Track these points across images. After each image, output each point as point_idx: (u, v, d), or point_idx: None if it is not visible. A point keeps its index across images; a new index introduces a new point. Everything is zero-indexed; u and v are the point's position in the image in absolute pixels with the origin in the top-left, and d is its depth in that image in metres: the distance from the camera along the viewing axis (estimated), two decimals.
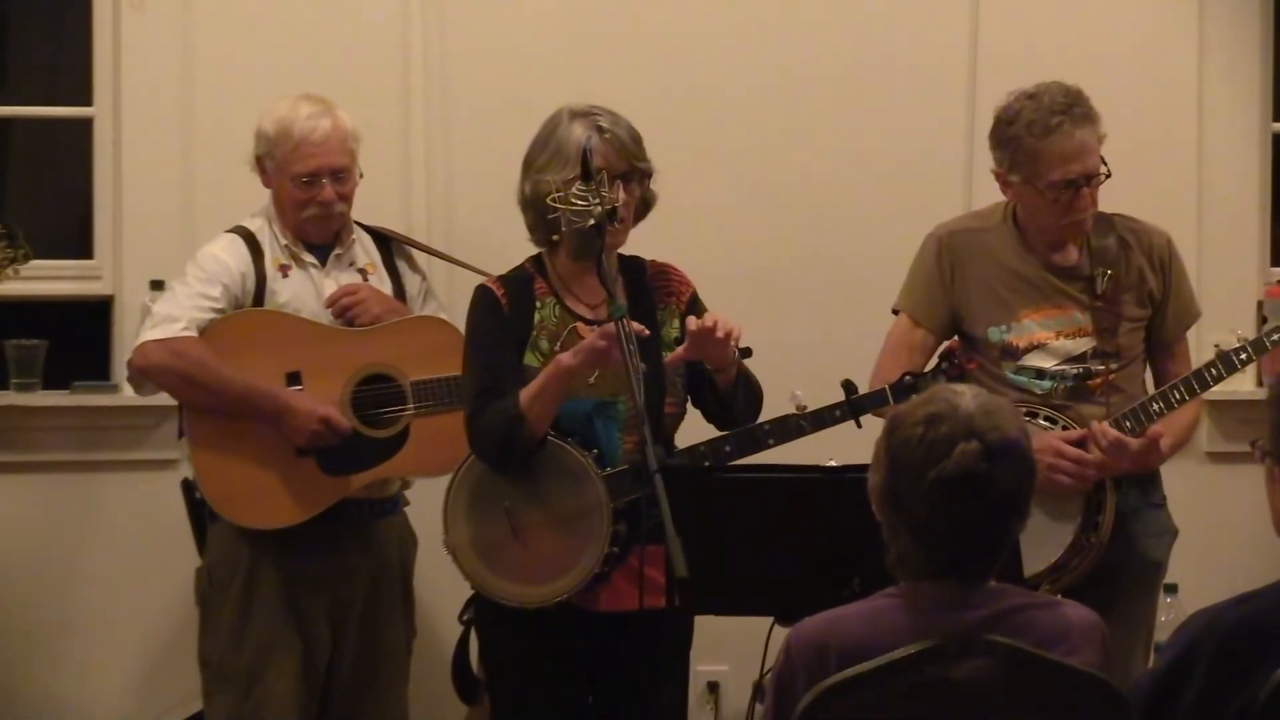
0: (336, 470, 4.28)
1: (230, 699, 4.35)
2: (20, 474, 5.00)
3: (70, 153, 5.18)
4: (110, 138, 5.03)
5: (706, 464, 3.77)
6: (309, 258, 4.39)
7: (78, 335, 5.05)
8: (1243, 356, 4.07)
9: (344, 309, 4.34)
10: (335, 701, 4.42)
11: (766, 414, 3.86)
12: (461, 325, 4.03)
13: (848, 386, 3.83)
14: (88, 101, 5.06)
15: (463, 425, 3.88)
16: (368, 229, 4.53)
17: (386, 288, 4.46)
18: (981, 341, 4.17)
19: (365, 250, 4.49)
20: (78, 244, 5.12)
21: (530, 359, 3.85)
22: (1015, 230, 4.19)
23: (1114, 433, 4.01)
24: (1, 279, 4.72)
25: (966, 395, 2.78)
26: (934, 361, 4.01)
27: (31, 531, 5.00)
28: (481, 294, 3.92)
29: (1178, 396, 4.07)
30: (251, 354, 4.26)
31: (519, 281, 3.91)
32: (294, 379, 4.29)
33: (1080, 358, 4.13)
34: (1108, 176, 4.07)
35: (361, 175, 4.41)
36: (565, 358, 3.74)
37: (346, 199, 4.38)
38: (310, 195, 4.33)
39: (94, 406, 4.98)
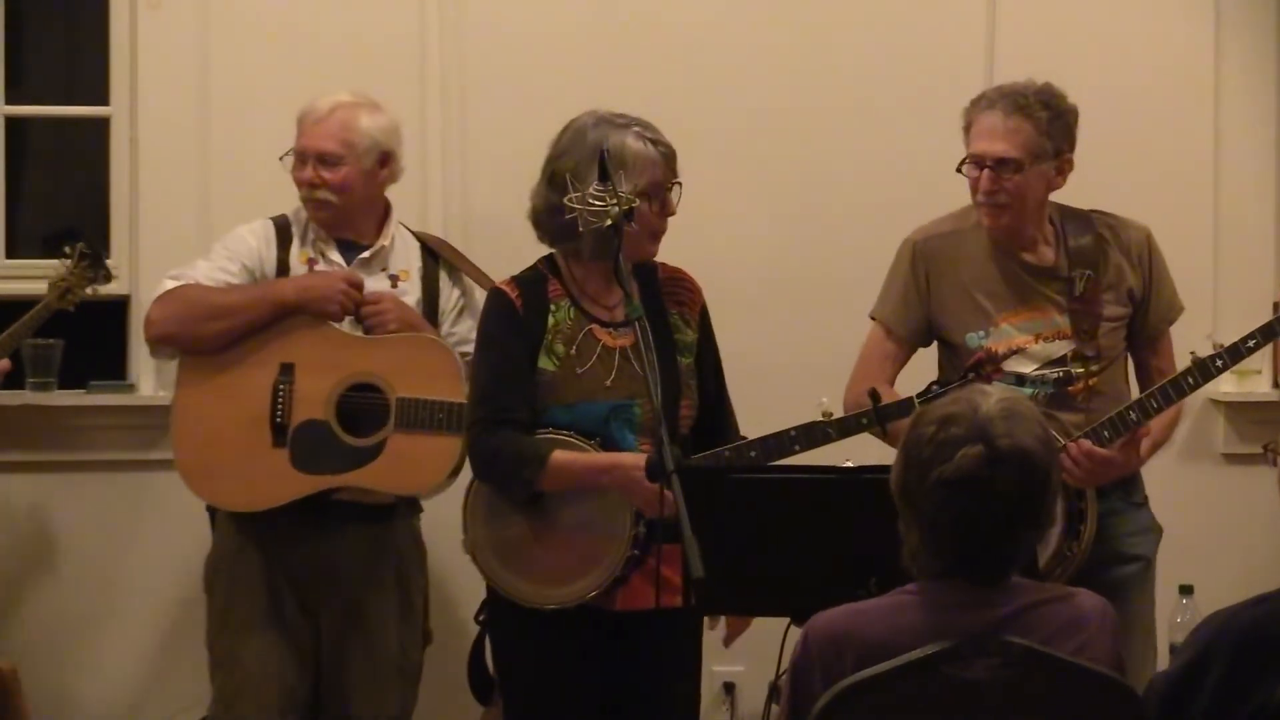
0: (307, 467, 4.28)
1: (218, 681, 4.40)
2: (37, 473, 5.01)
3: (86, 152, 5.19)
4: (127, 137, 5.03)
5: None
6: (334, 256, 4.38)
7: (94, 335, 5.05)
8: (1219, 364, 3.99)
9: (364, 317, 4.32)
10: (328, 699, 4.42)
11: (791, 419, 3.84)
12: None
13: (874, 395, 3.82)
14: (104, 101, 5.07)
15: (436, 452, 3.91)
16: (420, 237, 4.52)
17: (414, 296, 4.42)
18: (960, 349, 4.10)
19: (405, 256, 4.46)
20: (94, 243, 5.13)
21: (544, 362, 3.81)
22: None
23: (1101, 452, 3.94)
24: (78, 298, 4.71)
25: (992, 398, 2.78)
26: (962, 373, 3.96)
27: (48, 530, 5.01)
28: (495, 297, 3.90)
29: (1155, 405, 3.98)
30: (254, 338, 4.28)
31: (533, 283, 3.87)
32: (287, 370, 4.30)
33: (1060, 361, 4.07)
34: (1015, 172, 3.98)
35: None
36: (605, 465, 3.72)
37: (332, 187, 4.33)
38: (298, 173, 4.34)
39: (110, 406, 4.99)
